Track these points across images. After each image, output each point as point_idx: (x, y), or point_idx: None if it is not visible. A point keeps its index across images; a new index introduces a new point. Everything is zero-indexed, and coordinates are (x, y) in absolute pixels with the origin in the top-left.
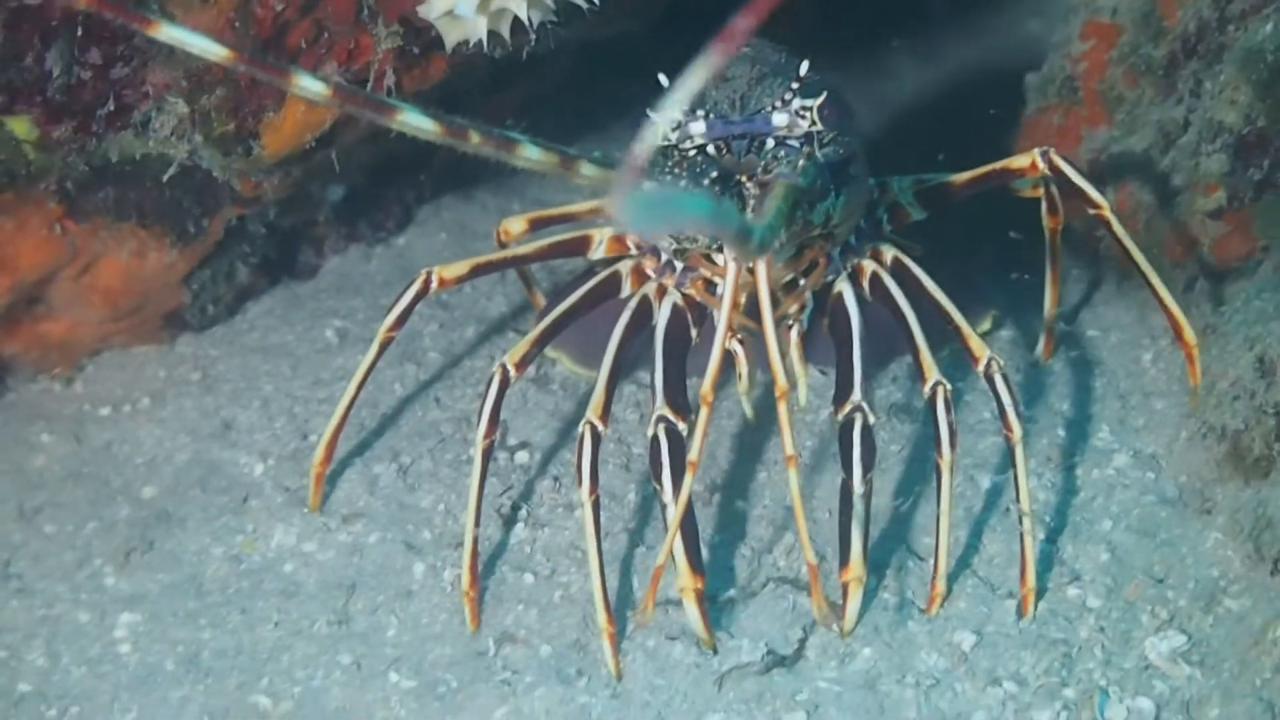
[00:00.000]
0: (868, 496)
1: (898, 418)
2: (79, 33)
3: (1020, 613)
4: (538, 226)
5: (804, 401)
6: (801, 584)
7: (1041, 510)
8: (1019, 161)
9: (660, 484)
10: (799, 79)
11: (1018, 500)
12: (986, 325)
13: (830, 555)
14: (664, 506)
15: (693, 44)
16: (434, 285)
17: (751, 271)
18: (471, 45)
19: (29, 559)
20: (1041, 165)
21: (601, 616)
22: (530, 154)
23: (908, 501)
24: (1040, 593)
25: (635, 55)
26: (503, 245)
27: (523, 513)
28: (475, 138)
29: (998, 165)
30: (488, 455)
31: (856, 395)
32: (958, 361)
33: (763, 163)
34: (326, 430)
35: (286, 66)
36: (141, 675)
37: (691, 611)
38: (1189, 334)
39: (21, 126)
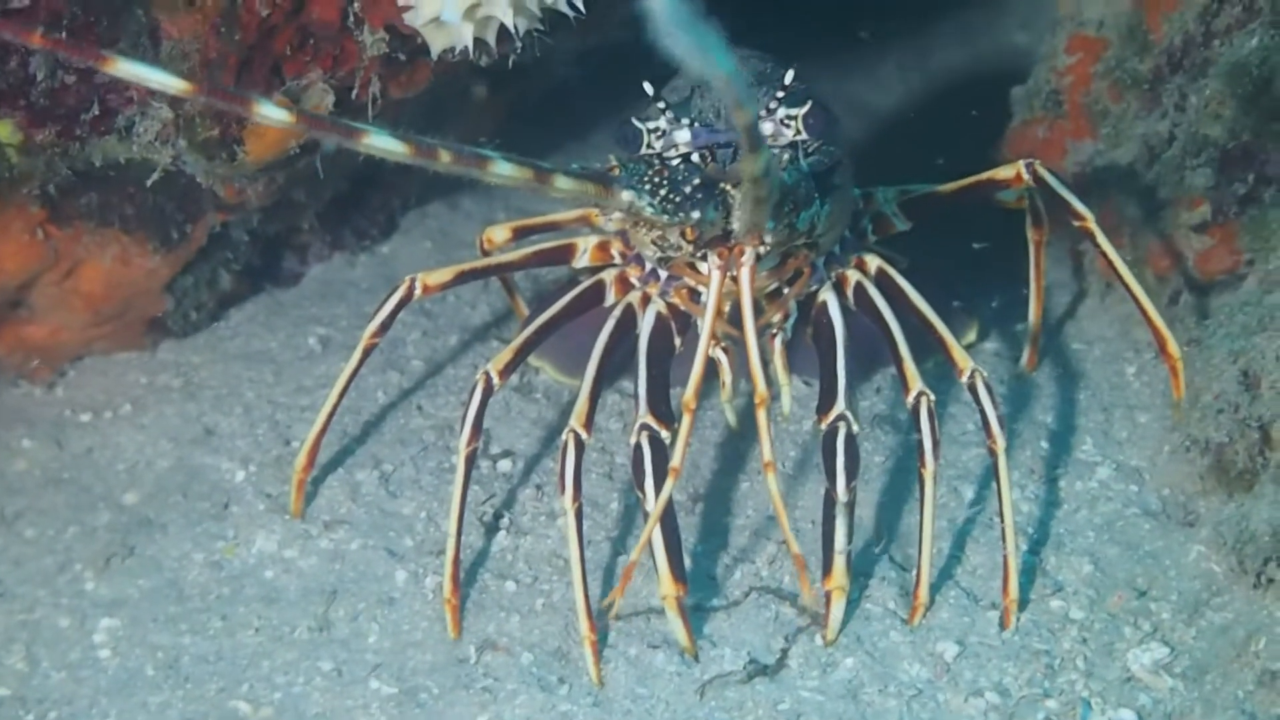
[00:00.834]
0: (851, 505)
1: (881, 429)
2: (63, 36)
3: (1003, 624)
4: (521, 235)
5: (787, 410)
6: (784, 593)
7: (1024, 522)
8: (1004, 172)
9: (643, 492)
10: (784, 87)
11: (1001, 511)
12: (971, 336)
13: (813, 565)
14: (646, 515)
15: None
16: (417, 292)
17: (735, 280)
18: (457, 53)
19: (9, 564)
20: (1026, 176)
21: (584, 624)
22: (503, 169)
23: (890, 511)
24: (1023, 604)
25: (618, 65)
26: (486, 253)
27: (505, 520)
28: (446, 156)
29: (983, 176)
30: (470, 463)
31: (840, 404)
32: (941, 373)
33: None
34: (309, 437)
35: (248, 95)
36: (121, 680)
37: (674, 619)
38: (1173, 347)
39: (4, 130)
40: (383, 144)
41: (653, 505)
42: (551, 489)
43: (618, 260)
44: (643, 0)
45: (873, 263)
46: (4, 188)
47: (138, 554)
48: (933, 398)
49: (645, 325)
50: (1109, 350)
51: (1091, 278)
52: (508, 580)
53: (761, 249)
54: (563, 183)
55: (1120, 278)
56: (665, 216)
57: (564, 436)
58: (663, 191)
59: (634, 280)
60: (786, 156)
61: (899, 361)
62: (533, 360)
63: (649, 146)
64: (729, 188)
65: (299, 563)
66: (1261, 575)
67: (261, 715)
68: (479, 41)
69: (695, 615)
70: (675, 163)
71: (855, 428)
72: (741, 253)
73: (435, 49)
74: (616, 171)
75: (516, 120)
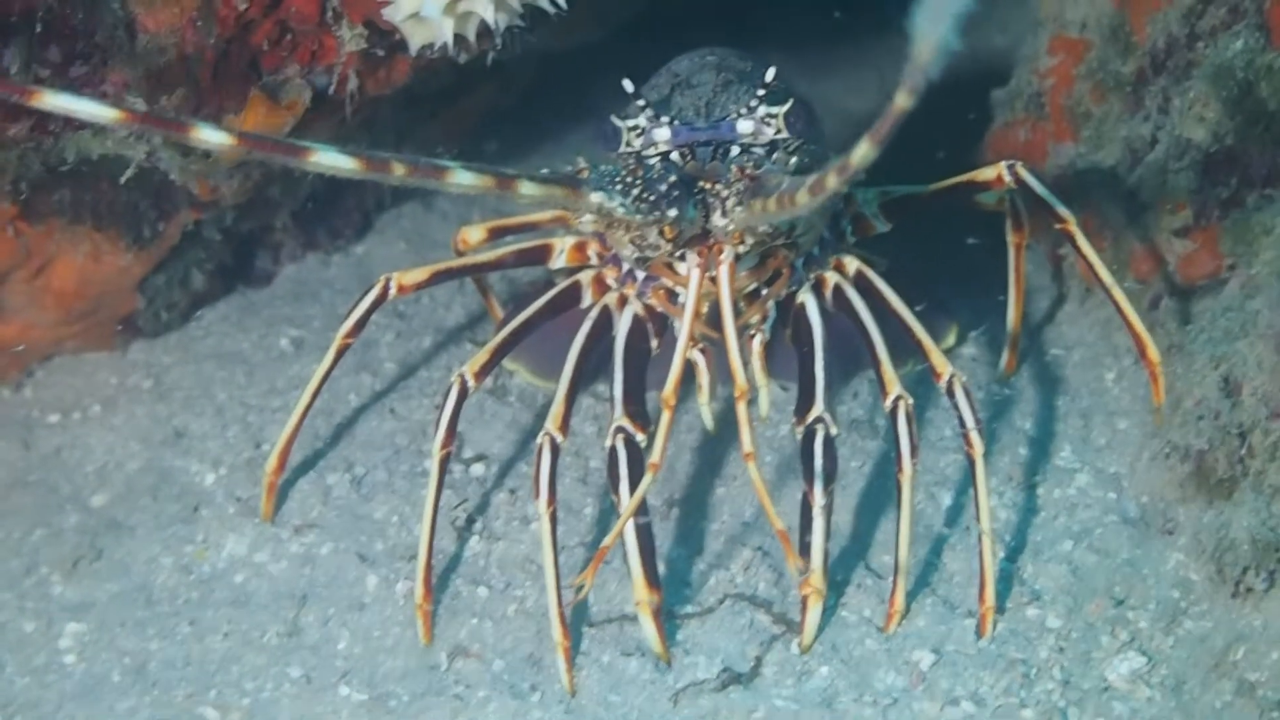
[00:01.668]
0: (829, 509)
1: (858, 433)
2: (38, 29)
3: (979, 632)
4: (497, 235)
5: (765, 412)
6: (759, 600)
7: (1002, 528)
8: (985, 174)
9: (618, 495)
10: (765, 86)
11: (978, 518)
12: (950, 340)
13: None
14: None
15: (654, 53)
16: (393, 291)
17: (714, 280)
18: (436, 48)
19: None
20: (1008, 178)
21: (557, 631)
22: (462, 179)
23: (867, 518)
24: (1000, 612)
25: (596, 65)
26: (460, 254)
27: (478, 525)
28: (400, 169)
29: (963, 178)
30: (444, 466)
31: (819, 406)
32: (919, 377)
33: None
34: (280, 439)
35: (184, 120)
36: (87, 685)
37: (647, 626)
38: (1153, 352)
39: None
40: (331, 161)
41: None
42: (525, 493)
43: (594, 261)
44: None
45: (852, 265)
46: None
47: (106, 557)
48: (911, 402)
49: (622, 326)
50: (1088, 355)
51: (1071, 281)
52: (480, 586)
53: (741, 248)
54: (527, 188)
55: (1101, 281)
56: (639, 216)
57: (539, 440)
58: (635, 191)
59: (611, 281)
60: (767, 154)
61: (877, 365)
62: (507, 363)
63: (628, 144)
64: (709, 186)
65: (269, 567)
66: (1240, 584)
67: None
68: (459, 37)
69: (669, 622)
70: (652, 161)
71: (834, 430)
72: (720, 251)
73: (414, 45)
74: (585, 173)
75: (493, 120)
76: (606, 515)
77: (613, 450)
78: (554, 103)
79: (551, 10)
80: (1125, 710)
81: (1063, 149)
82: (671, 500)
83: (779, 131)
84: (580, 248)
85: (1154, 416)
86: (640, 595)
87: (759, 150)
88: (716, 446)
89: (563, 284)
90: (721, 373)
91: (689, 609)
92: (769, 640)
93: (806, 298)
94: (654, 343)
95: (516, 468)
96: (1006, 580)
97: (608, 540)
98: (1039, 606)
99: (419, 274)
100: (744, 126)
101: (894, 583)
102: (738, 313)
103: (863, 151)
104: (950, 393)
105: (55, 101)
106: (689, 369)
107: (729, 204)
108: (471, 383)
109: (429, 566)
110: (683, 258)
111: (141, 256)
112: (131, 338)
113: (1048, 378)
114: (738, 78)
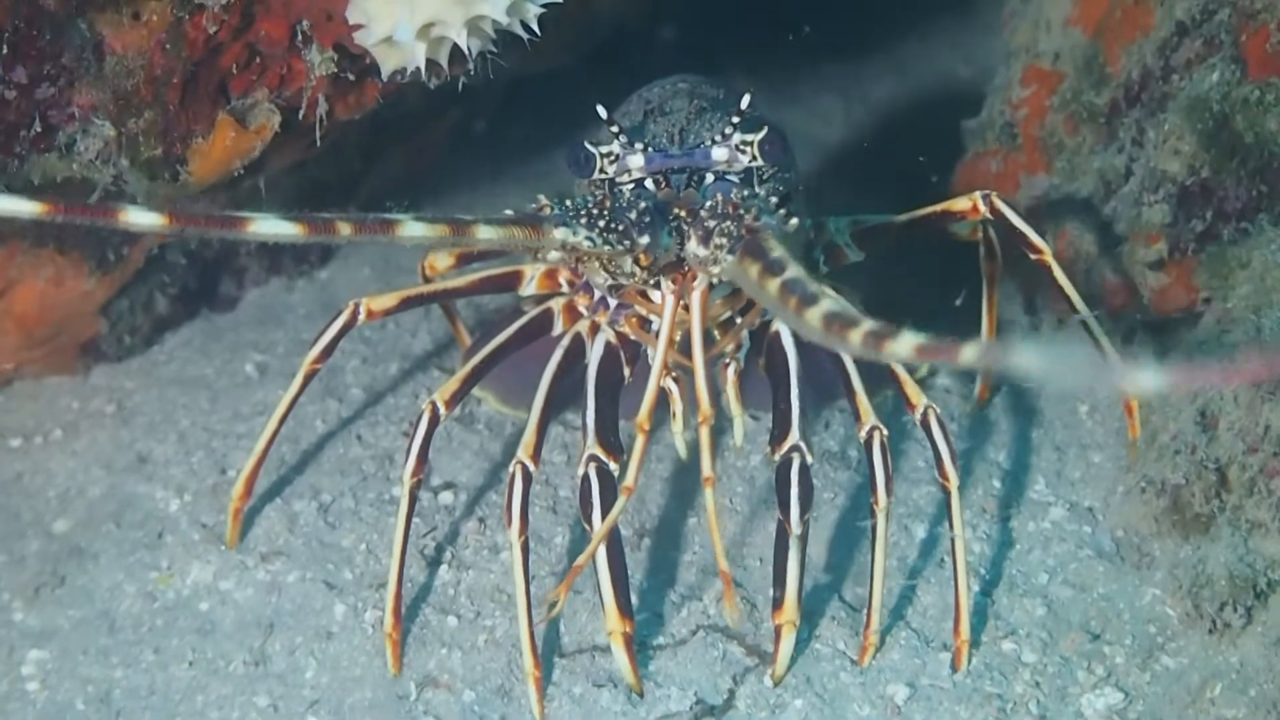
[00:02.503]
0: (804, 538)
1: (830, 464)
2: (4, 51)
3: (954, 666)
4: (465, 261)
5: (739, 442)
6: (732, 633)
7: (976, 562)
8: (960, 204)
9: (590, 524)
10: (739, 113)
11: (953, 551)
12: (923, 370)
13: (762, 603)
14: None
15: (623, 79)
16: (362, 317)
17: (688, 309)
18: (408, 73)
19: None
20: (983, 208)
21: (528, 661)
22: (414, 231)
23: (840, 550)
24: (975, 646)
25: (564, 89)
26: (428, 279)
27: (447, 554)
28: (346, 229)
29: (938, 207)
30: (414, 494)
31: (794, 435)
32: (894, 408)
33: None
34: (246, 465)
35: (113, 206)
36: (50, 714)
37: (620, 656)
38: None
39: None
40: (271, 229)
41: None
42: (494, 522)
43: (565, 288)
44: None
45: None
46: None
47: (68, 584)
48: (885, 433)
49: (594, 355)
50: (1062, 388)
51: (1045, 313)
52: (450, 615)
53: (714, 278)
54: (485, 233)
55: (1075, 312)
56: (608, 248)
57: (511, 468)
58: (601, 223)
59: (582, 309)
60: (743, 182)
61: (851, 395)
62: (475, 391)
63: (602, 171)
64: (683, 213)
65: (235, 594)
66: (1217, 620)
67: None
68: (431, 62)
69: (641, 653)
70: (626, 187)
71: (809, 459)
72: (694, 278)
73: (386, 69)
74: (547, 209)
75: (459, 146)
76: (577, 544)
77: (585, 479)
78: (523, 127)
79: (524, 35)
80: None
81: (1035, 180)
82: (643, 530)
83: (753, 159)
84: (551, 275)
85: (1129, 450)
86: (613, 625)
87: (733, 178)
88: (687, 477)
89: (533, 311)
90: (694, 401)
91: (661, 640)
92: (742, 672)
93: (781, 326)
94: (626, 371)
95: (486, 496)
96: (981, 614)
97: (581, 559)
98: (1014, 641)
99: (388, 299)
100: (718, 154)
101: (868, 615)
102: (712, 341)
103: (903, 350)
104: (925, 425)
105: None
106: (663, 398)
107: (713, 237)
108: (443, 410)
109: (399, 595)
110: (656, 285)
111: (105, 280)
112: (94, 362)
113: (1021, 409)
114: (710, 105)
